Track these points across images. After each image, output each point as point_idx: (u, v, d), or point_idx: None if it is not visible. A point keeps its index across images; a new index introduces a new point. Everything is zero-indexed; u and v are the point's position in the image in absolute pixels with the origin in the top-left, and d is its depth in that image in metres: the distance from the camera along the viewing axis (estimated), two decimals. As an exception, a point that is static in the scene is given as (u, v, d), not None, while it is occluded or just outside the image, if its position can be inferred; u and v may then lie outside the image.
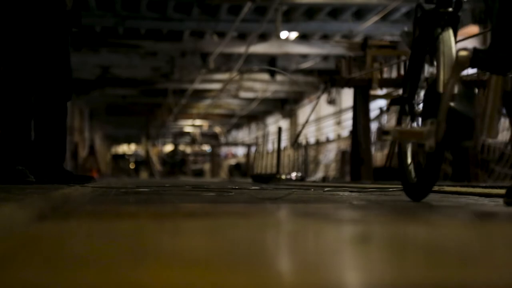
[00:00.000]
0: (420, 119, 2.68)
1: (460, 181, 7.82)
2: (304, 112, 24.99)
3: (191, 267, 0.93)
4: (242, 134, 37.35)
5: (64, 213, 2.02)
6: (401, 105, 2.80)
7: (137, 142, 42.58)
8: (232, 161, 32.49)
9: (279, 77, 21.60)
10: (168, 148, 40.85)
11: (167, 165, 36.30)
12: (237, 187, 4.98)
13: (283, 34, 16.79)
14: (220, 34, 16.86)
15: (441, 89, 2.46)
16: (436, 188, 3.97)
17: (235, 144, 35.52)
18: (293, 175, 9.79)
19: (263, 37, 17.45)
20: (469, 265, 0.97)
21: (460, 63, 2.38)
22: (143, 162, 37.10)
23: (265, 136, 22.83)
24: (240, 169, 28.52)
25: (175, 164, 36.45)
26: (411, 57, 2.89)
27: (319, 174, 16.64)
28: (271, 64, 19.16)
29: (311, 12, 16.49)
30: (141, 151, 40.10)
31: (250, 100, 26.28)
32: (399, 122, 2.82)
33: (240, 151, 33.91)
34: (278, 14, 15.44)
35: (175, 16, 15.63)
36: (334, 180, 12.44)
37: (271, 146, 21.38)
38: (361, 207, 2.48)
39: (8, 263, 0.97)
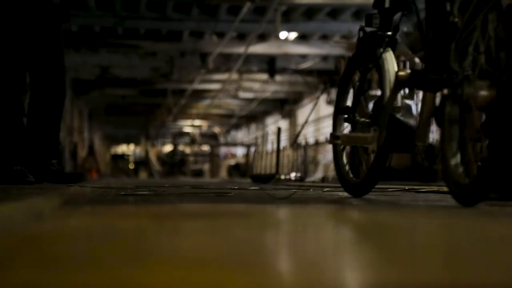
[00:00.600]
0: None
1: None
2: (303, 113, 24.99)
3: (190, 267, 0.93)
4: (242, 134, 37.36)
5: (63, 212, 2.02)
6: (346, 114, 3.22)
7: (137, 142, 42.58)
8: (232, 161, 32.50)
9: (278, 78, 21.60)
10: (168, 148, 40.86)
11: (166, 165, 36.31)
12: (236, 187, 4.98)
13: (283, 34, 16.79)
14: (219, 34, 16.86)
15: (385, 102, 2.89)
16: (435, 188, 3.97)
17: (235, 144, 35.53)
18: (293, 175, 9.80)
19: (262, 37, 17.45)
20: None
21: (399, 81, 2.86)
22: (143, 163, 37.11)
23: (264, 136, 22.84)
24: (240, 169, 28.53)
25: (174, 164, 36.46)
26: (346, 71, 3.33)
27: (318, 174, 16.64)
28: (270, 64, 19.16)
29: (310, 12, 16.49)
30: (140, 151, 40.10)
31: (250, 100, 26.29)
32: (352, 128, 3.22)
33: (240, 151, 33.92)
34: (278, 14, 15.44)
35: (174, 16, 15.63)
36: (334, 181, 12.44)
37: (270, 146, 21.38)
38: (360, 206, 2.48)
39: (7, 263, 0.97)
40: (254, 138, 30.23)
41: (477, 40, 2.26)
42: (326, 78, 9.46)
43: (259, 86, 23.41)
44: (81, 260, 1.02)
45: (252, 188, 4.94)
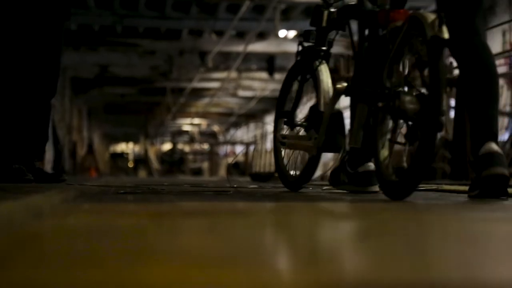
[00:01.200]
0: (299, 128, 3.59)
1: (459, 180, 7.82)
2: (302, 111, 24.95)
3: (190, 265, 0.93)
4: (241, 133, 37.37)
5: (62, 211, 2.02)
6: (286, 117, 3.67)
7: (136, 141, 42.56)
8: (231, 160, 32.46)
9: (277, 76, 21.59)
10: (167, 147, 40.84)
11: (165, 164, 36.30)
12: (235, 186, 4.98)
13: (282, 33, 16.77)
14: (218, 32, 16.85)
15: (322, 109, 3.37)
16: (434, 186, 3.97)
17: (233, 142, 35.52)
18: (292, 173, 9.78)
19: (261, 36, 17.44)
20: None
21: (337, 92, 3.23)
22: (142, 161, 37.09)
23: (263, 135, 22.81)
24: (239, 168, 28.53)
25: (173, 162, 36.44)
26: (286, 80, 3.76)
27: (317, 173, 16.64)
28: (269, 62, 19.15)
29: (309, 10, 16.45)
30: (139, 149, 40.08)
31: (249, 98, 26.28)
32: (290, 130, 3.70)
33: (238, 149, 33.91)
34: (277, 13, 15.43)
35: (173, 15, 15.62)
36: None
37: (269, 144, 21.34)
38: (360, 204, 2.49)
39: (6, 262, 0.97)
40: (253, 137, 30.22)
41: (406, 61, 2.74)
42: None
43: (258, 84, 23.41)
44: (81, 258, 1.02)
45: (251, 186, 4.94)
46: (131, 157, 40.66)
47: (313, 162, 3.48)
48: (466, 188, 3.67)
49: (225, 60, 19.92)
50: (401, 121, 2.72)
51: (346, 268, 0.94)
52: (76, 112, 26.02)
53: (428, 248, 1.19)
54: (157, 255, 1.05)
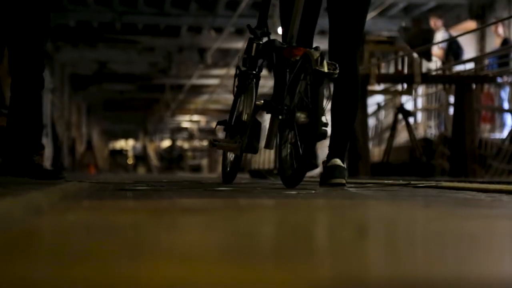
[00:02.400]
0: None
1: (458, 177, 7.82)
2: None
3: (190, 261, 0.94)
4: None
5: (62, 207, 2.02)
6: (224, 125, 4.35)
7: (135, 137, 42.55)
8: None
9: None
10: (166, 143, 40.83)
11: (164, 161, 36.31)
12: (234, 182, 4.98)
13: (280, 30, 16.72)
14: (217, 29, 16.85)
15: (244, 119, 4.11)
16: (433, 183, 3.97)
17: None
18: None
19: (260, 33, 17.32)
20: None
21: (257, 107, 3.94)
22: (142, 158, 37.09)
23: (262, 132, 22.74)
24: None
25: (172, 159, 36.45)
26: (235, 95, 4.37)
27: (317, 170, 16.63)
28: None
29: (308, 7, 16.41)
30: (139, 146, 40.06)
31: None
32: (225, 135, 4.39)
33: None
34: (276, 10, 15.39)
35: (172, 12, 15.62)
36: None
37: (268, 141, 21.31)
38: (357, 202, 2.49)
39: (6, 258, 0.97)
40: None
41: (302, 86, 3.58)
42: (325, 73, 9.44)
43: (258, 81, 23.34)
44: (80, 254, 1.02)
45: (251, 183, 4.94)
46: (131, 153, 40.64)
47: (237, 161, 4.29)
48: (465, 185, 3.68)
49: (224, 57, 19.92)
50: (293, 130, 3.57)
51: (346, 266, 0.94)
52: (75, 109, 26.01)
53: (426, 245, 1.19)
54: (157, 251, 1.05)
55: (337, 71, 3.41)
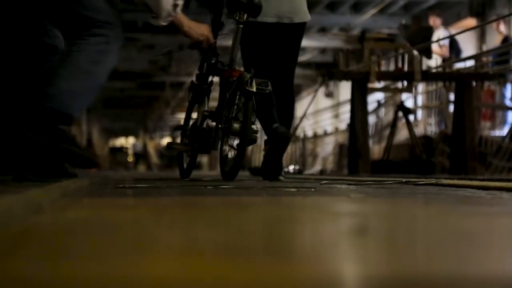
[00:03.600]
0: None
1: (458, 174, 7.83)
2: (301, 105, 24.98)
3: (190, 259, 0.94)
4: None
5: (62, 205, 2.02)
6: (181, 130, 5.07)
7: (135, 135, 42.53)
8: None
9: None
10: (166, 141, 40.79)
11: (164, 158, 36.29)
12: (235, 180, 4.99)
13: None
14: (217, 27, 16.80)
15: (198, 124, 4.79)
16: (433, 181, 3.97)
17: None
18: (291, 168, 9.80)
19: (260, 30, 17.31)
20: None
21: (204, 115, 4.76)
22: (142, 156, 37.08)
23: (263, 129, 22.72)
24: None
25: (173, 157, 36.42)
26: (188, 106, 5.10)
27: (317, 167, 16.65)
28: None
29: (308, 5, 16.39)
30: (139, 144, 40.05)
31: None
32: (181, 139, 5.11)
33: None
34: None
35: (172, 9, 15.58)
36: (332, 173, 12.44)
37: (268, 139, 21.27)
38: (359, 200, 2.49)
39: (6, 256, 0.97)
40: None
41: (240, 101, 4.34)
42: (324, 71, 9.46)
43: (258, 79, 23.32)
44: (81, 252, 1.02)
45: (251, 180, 4.94)
46: (131, 151, 40.62)
47: (192, 161, 5.02)
48: (466, 182, 3.68)
49: (224, 55, 19.88)
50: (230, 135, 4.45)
51: (345, 264, 0.94)
52: (75, 107, 25.91)
53: (426, 242, 1.19)
54: (157, 248, 1.05)
55: (269, 88, 4.30)
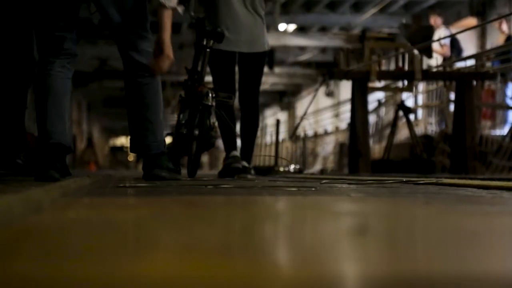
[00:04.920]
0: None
1: (458, 174, 7.82)
2: (302, 105, 24.98)
3: (190, 258, 0.94)
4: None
5: (62, 204, 2.02)
6: (171, 135, 5.47)
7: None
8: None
9: (277, 70, 21.58)
10: (166, 140, 40.73)
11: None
12: (234, 179, 4.99)
13: (281, 26, 16.75)
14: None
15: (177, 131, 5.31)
16: (434, 180, 3.97)
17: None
18: (291, 167, 9.80)
19: (261, 30, 17.29)
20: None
21: (180, 124, 5.29)
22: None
23: (263, 129, 22.81)
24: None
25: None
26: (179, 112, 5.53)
27: (317, 167, 16.65)
28: (269, 56, 19.12)
29: (309, 4, 16.45)
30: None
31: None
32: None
33: (238, 143, 33.81)
34: (276, 6, 15.42)
35: (173, 8, 15.58)
36: (332, 173, 12.44)
37: (269, 138, 21.34)
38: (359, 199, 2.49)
39: (6, 256, 0.97)
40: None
41: (199, 112, 5.25)
42: (325, 70, 9.46)
43: (258, 78, 23.31)
44: (80, 252, 1.02)
45: (251, 179, 4.94)
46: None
47: (176, 161, 5.27)
48: (466, 182, 3.68)
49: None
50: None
51: (345, 263, 0.94)
52: (76, 106, 26.01)
53: (426, 242, 1.19)
54: (157, 248, 1.05)
55: (232, 101, 5.37)
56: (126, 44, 4.03)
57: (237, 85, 5.91)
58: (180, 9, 4.31)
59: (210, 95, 5.19)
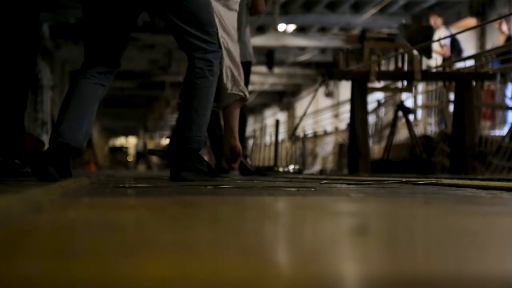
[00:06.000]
0: None
1: (458, 174, 7.83)
2: (301, 105, 24.99)
3: (190, 258, 0.94)
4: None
5: (62, 204, 2.02)
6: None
7: (135, 134, 42.53)
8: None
9: (277, 70, 21.58)
10: (166, 141, 40.78)
11: (165, 158, 36.25)
12: (234, 179, 4.99)
13: (281, 27, 16.76)
14: (217, 26, 16.79)
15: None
16: (433, 180, 3.98)
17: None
18: (291, 167, 9.80)
19: (260, 30, 17.41)
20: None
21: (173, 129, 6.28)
22: (142, 155, 37.09)
23: (262, 129, 22.83)
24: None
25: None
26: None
27: (317, 167, 16.65)
28: (268, 56, 19.16)
29: (308, 4, 16.46)
30: (141, 143, 40.05)
31: (248, 92, 26.25)
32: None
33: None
34: (276, 7, 15.42)
35: (172, 9, 15.57)
36: (332, 173, 12.44)
37: (268, 138, 21.35)
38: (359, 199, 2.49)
39: (5, 256, 0.97)
40: (253, 131, 30.27)
41: None
42: (325, 70, 9.47)
43: (258, 78, 23.39)
44: (80, 252, 1.02)
45: (251, 180, 4.94)
46: (133, 150, 40.60)
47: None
48: (466, 182, 3.68)
49: (223, 54, 19.83)
50: None
51: (345, 263, 0.94)
52: (75, 106, 25.91)
53: (426, 242, 1.19)
54: (158, 248, 1.05)
55: (217, 109, 5.31)
56: (190, 48, 4.14)
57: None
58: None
59: None
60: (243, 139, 6.39)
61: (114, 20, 3.93)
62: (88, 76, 3.91)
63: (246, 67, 6.44)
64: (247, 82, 6.51)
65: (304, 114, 10.90)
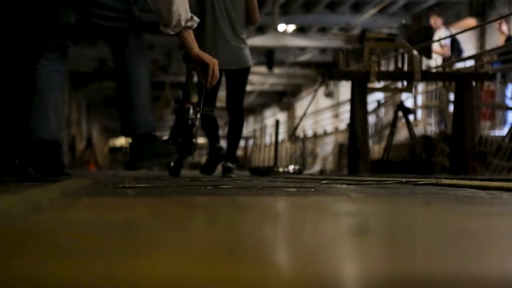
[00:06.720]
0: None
1: (458, 174, 7.83)
2: (301, 105, 24.99)
3: (190, 258, 0.94)
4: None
5: (62, 204, 2.02)
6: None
7: (135, 135, 42.30)
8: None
9: (277, 70, 21.58)
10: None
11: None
12: (234, 180, 4.99)
13: (281, 27, 16.75)
14: (217, 26, 16.79)
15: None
16: (433, 181, 3.98)
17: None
18: (291, 168, 9.80)
19: (260, 30, 17.41)
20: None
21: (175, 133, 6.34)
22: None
23: (262, 129, 22.83)
24: (238, 162, 28.51)
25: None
26: (176, 120, 6.37)
27: (317, 167, 16.65)
28: (268, 56, 19.16)
29: (308, 5, 16.45)
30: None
31: (248, 93, 26.28)
32: None
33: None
34: (276, 7, 15.41)
35: (172, 9, 15.58)
36: (332, 173, 12.44)
37: (268, 139, 21.35)
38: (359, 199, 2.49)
39: (5, 256, 0.97)
40: (252, 131, 30.27)
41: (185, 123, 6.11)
42: (324, 70, 9.48)
43: (258, 78, 23.38)
44: (80, 252, 1.02)
45: (251, 180, 4.95)
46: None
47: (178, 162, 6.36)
48: (465, 182, 3.68)
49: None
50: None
51: (345, 263, 0.94)
52: (75, 106, 26.01)
53: (426, 242, 1.19)
54: (158, 248, 1.05)
55: (213, 113, 6.53)
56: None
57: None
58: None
59: (191, 110, 6.17)
60: (217, 140, 6.75)
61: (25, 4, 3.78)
62: (38, 66, 3.73)
63: (243, 72, 6.72)
64: (245, 85, 6.79)
65: (304, 114, 10.90)
